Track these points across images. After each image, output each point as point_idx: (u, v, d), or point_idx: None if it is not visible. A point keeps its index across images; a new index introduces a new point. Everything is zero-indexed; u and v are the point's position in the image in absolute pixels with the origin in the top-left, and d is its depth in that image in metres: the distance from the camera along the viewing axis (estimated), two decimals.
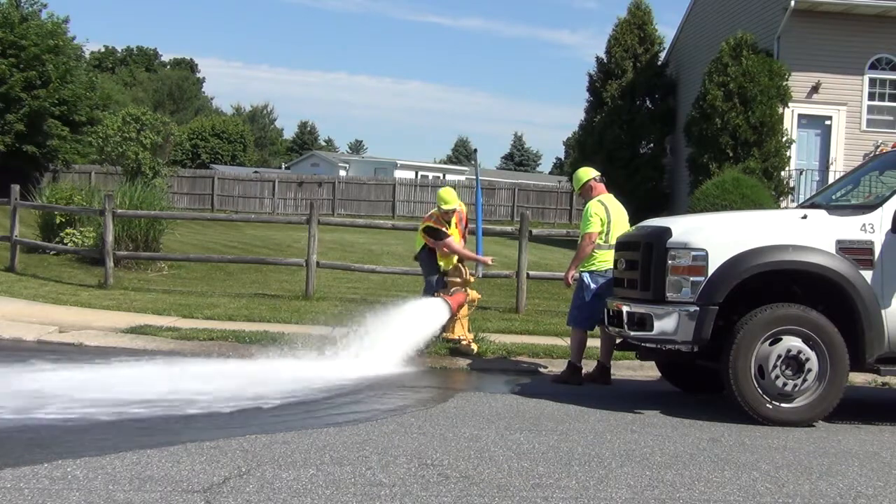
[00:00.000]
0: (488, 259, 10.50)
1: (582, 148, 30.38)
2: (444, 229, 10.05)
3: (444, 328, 9.89)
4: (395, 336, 9.22)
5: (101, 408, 6.57)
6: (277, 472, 5.06)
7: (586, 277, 8.85)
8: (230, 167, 57.59)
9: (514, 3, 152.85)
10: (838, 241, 7.25)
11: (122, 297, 12.97)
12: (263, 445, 5.68)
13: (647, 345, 7.64)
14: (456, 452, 5.74)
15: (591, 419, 7.15)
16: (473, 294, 10.10)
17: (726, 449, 6.26)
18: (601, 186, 9.16)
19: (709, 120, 22.80)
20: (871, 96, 23.37)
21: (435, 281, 10.18)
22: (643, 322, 7.42)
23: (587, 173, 9.25)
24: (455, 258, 10.19)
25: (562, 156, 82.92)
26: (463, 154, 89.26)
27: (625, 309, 7.61)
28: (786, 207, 19.89)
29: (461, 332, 10.03)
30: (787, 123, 22.92)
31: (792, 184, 22.94)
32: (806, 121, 23.49)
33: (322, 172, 54.36)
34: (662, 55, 30.86)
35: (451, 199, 10.07)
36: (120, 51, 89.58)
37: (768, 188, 21.09)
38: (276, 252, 20.60)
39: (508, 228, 16.29)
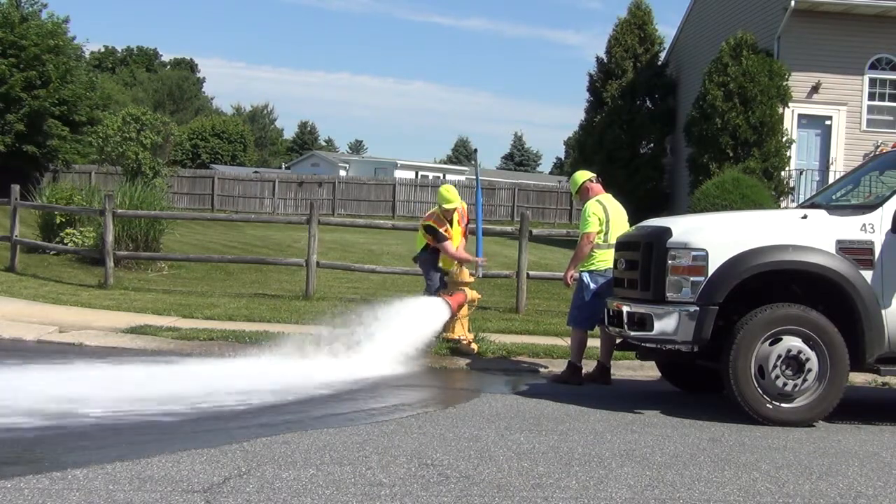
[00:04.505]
0: (480, 259, 10.47)
1: (582, 148, 30.38)
2: (444, 230, 10.04)
3: (445, 328, 9.90)
4: (396, 336, 9.22)
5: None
6: (277, 472, 5.06)
7: (586, 277, 8.85)
8: (230, 167, 57.57)
9: (518, 4, 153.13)
10: (838, 241, 7.25)
11: (122, 297, 12.98)
12: (263, 445, 5.68)
13: (647, 345, 7.64)
14: (456, 452, 5.74)
15: (591, 419, 7.15)
16: (473, 294, 10.10)
17: (726, 449, 6.26)
18: (598, 187, 9.18)
19: (709, 120, 22.80)
20: (871, 96, 23.36)
21: (436, 281, 10.18)
22: (643, 322, 7.42)
23: (582, 176, 9.28)
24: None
25: (562, 156, 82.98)
26: (463, 154, 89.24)
27: (625, 309, 7.61)
28: (786, 207, 19.89)
29: (461, 332, 10.03)
30: (787, 123, 22.92)
31: (792, 184, 22.93)
32: (806, 121, 23.49)
33: (322, 172, 54.34)
34: (662, 55, 30.86)
35: (453, 198, 10.07)
36: (120, 51, 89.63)
37: (768, 188, 21.09)
38: (276, 252, 20.61)
39: (508, 228, 16.28)
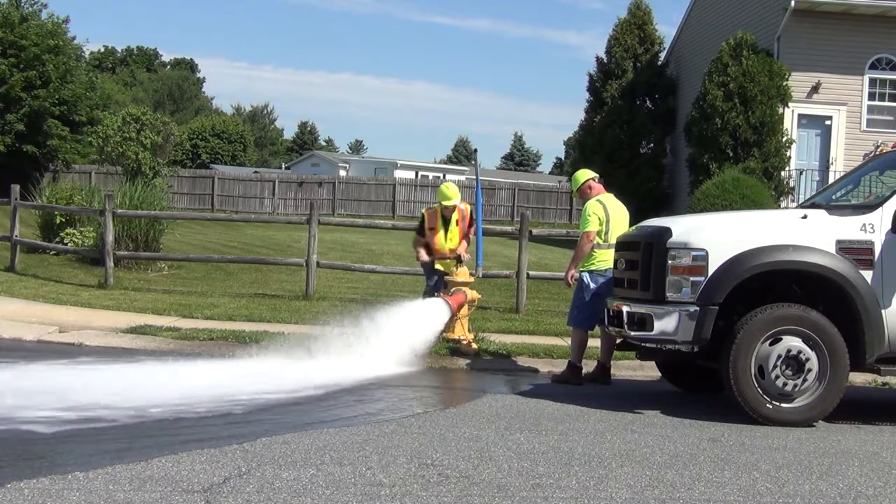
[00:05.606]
0: (422, 256, 10.37)
1: (582, 148, 30.37)
2: (430, 227, 10.12)
3: (445, 328, 9.89)
4: (396, 336, 9.21)
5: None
6: (277, 472, 5.06)
7: (586, 277, 8.86)
8: (230, 167, 57.56)
9: (520, 4, 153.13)
10: (838, 241, 7.25)
11: (123, 296, 12.97)
12: (263, 445, 5.68)
13: (648, 345, 7.64)
14: (456, 452, 5.74)
15: (591, 419, 7.15)
16: (473, 294, 10.10)
17: (726, 449, 6.26)
18: (599, 187, 9.18)
19: (709, 120, 22.80)
20: (871, 96, 23.36)
21: (435, 281, 10.19)
22: (643, 322, 7.42)
23: (584, 175, 9.28)
24: (452, 260, 10.21)
25: (562, 156, 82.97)
26: (463, 154, 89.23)
27: (625, 309, 7.61)
28: (786, 207, 19.88)
29: (461, 332, 10.03)
30: (787, 123, 22.91)
31: (792, 184, 22.93)
32: (806, 121, 23.49)
33: (322, 172, 54.34)
34: (662, 55, 30.84)
35: (452, 195, 10.09)
36: (120, 51, 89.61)
37: (768, 188, 21.08)
38: (276, 252, 20.60)
39: (508, 228, 16.30)
